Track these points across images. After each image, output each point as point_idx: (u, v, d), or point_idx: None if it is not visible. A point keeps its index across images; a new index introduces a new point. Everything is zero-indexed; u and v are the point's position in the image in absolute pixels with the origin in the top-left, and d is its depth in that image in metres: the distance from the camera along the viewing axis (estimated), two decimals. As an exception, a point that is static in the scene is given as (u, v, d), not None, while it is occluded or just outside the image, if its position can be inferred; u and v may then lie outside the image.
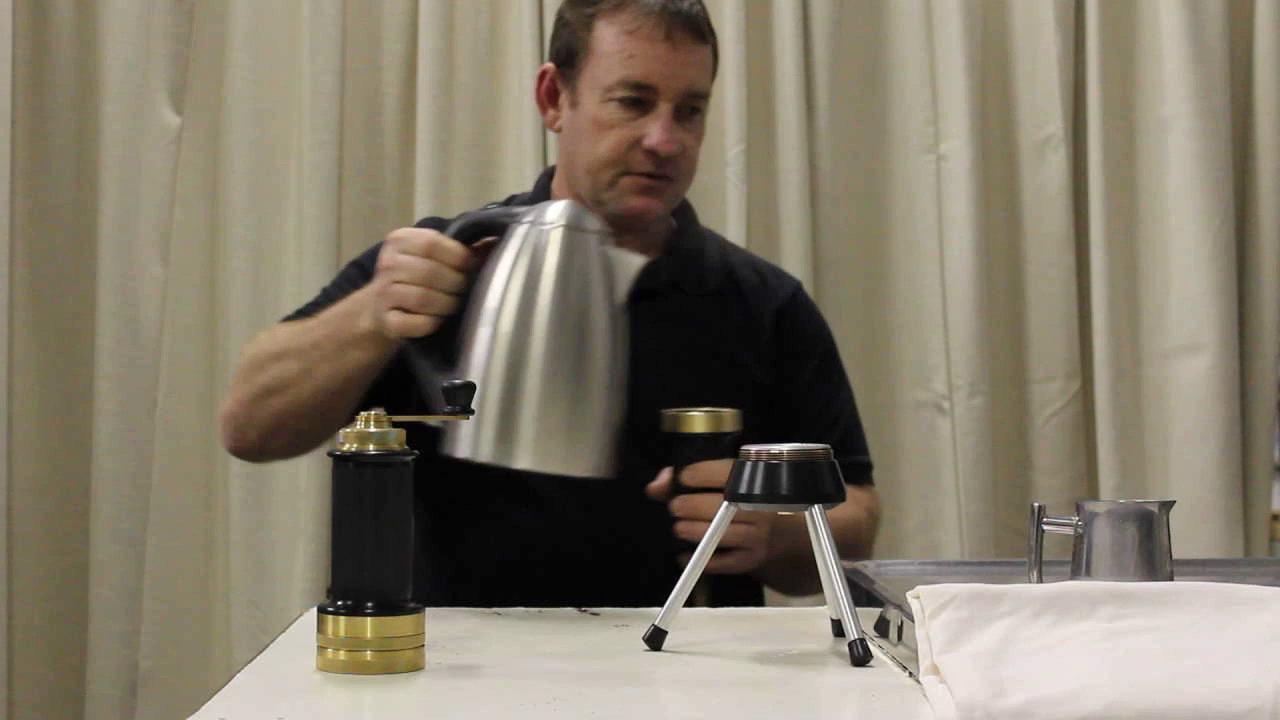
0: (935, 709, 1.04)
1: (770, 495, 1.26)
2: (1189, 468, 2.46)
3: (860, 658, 1.22)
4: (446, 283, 1.56)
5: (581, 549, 1.79)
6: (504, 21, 2.49)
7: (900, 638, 1.27)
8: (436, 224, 1.91)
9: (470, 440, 1.49)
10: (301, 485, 2.41)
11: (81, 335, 2.46)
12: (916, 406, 2.50)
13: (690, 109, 1.83)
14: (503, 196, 2.46)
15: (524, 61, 2.44)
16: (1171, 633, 1.09)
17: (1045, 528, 1.29)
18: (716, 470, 1.66)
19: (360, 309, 1.64)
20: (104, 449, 2.42)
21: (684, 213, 1.96)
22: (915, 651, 1.13)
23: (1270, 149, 2.51)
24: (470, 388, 1.27)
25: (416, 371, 1.59)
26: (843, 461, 1.93)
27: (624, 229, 1.85)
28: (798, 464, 1.26)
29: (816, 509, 1.26)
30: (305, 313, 1.81)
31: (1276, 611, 1.11)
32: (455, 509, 1.81)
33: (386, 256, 1.59)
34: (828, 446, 1.29)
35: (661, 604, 1.31)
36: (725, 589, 1.68)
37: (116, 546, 2.42)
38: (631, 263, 1.59)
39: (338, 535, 1.21)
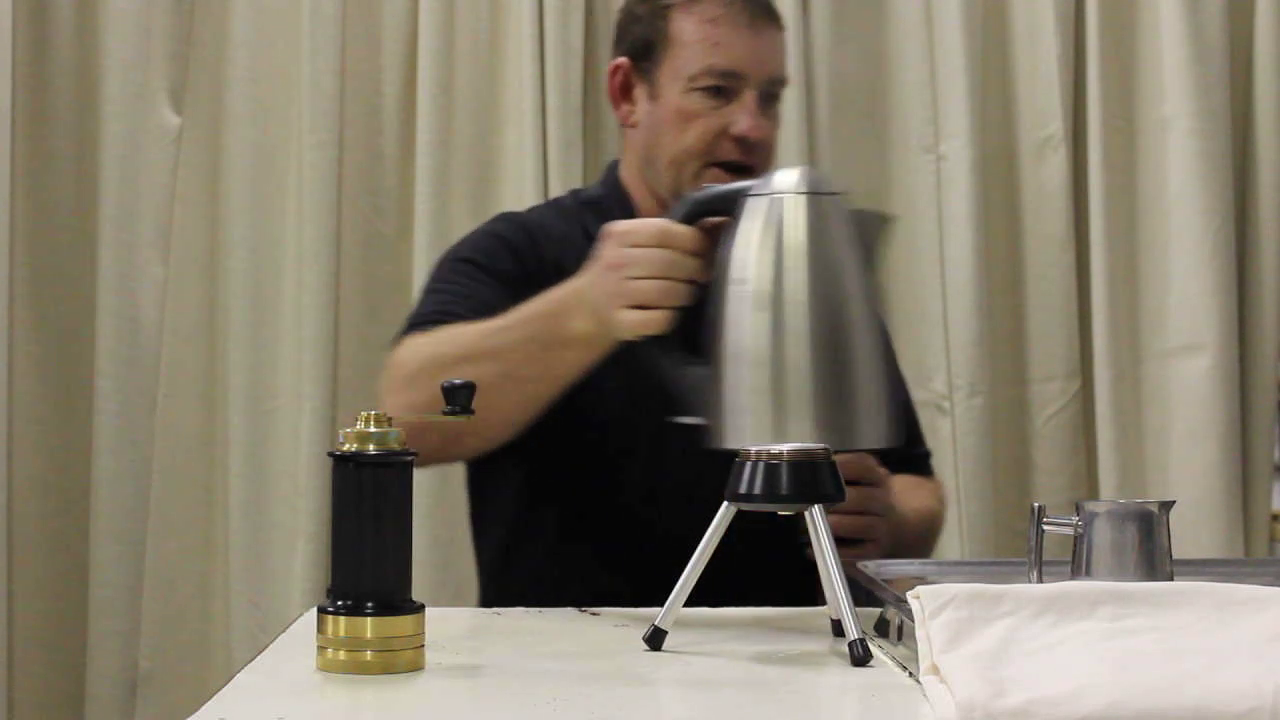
0: (935, 709, 1.04)
1: (770, 495, 1.26)
2: (1189, 468, 2.46)
3: (860, 658, 1.22)
4: (685, 270, 1.48)
5: (670, 550, 1.74)
6: (504, 21, 2.49)
7: (900, 638, 1.27)
8: (513, 221, 1.89)
9: (737, 428, 1.42)
10: (301, 485, 2.41)
11: (81, 335, 2.46)
12: (917, 406, 2.50)
13: (772, 96, 1.83)
14: (502, 196, 2.47)
15: (524, 61, 2.44)
16: (1171, 633, 1.09)
17: (1045, 528, 1.29)
18: (850, 463, 1.65)
19: (567, 309, 1.55)
20: (104, 449, 2.42)
21: None
22: (915, 651, 1.13)
23: (1270, 149, 2.51)
24: (470, 387, 1.27)
25: (657, 369, 1.51)
26: (911, 453, 1.95)
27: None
28: (798, 464, 1.26)
29: (816, 509, 1.26)
30: (431, 318, 1.73)
31: (1276, 611, 1.11)
32: (590, 506, 1.79)
33: (612, 253, 1.50)
34: (827, 446, 1.29)
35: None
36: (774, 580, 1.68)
37: (116, 546, 2.42)
38: (880, 219, 1.51)
39: (338, 535, 1.21)
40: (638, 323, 1.48)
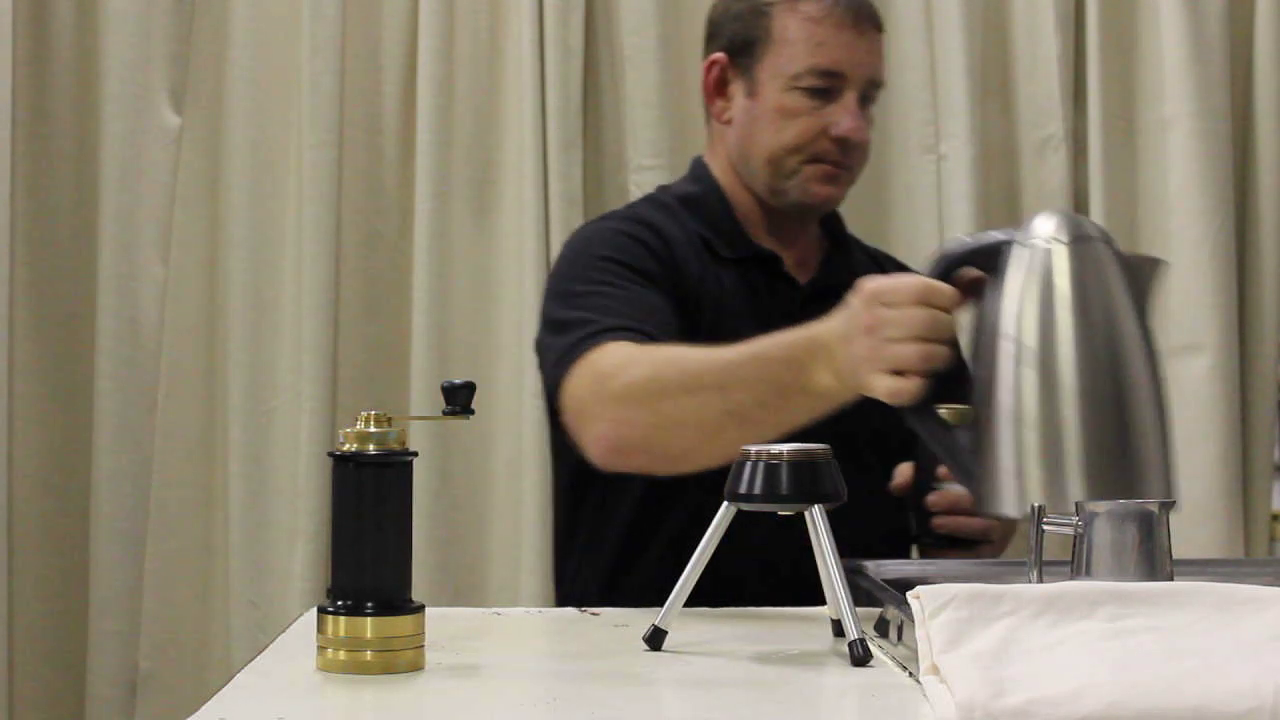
0: (935, 709, 1.04)
1: (770, 495, 1.26)
2: (1189, 468, 2.45)
3: (860, 658, 1.22)
4: (946, 331, 1.40)
5: (781, 548, 1.64)
6: (504, 21, 2.49)
7: (900, 638, 1.27)
8: (633, 219, 1.84)
9: (1015, 494, 1.35)
10: (301, 485, 2.41)
11: (81, 335, 2.46)
12: (916, 406, 2.50)
13: (870, 97, 1.85)
14: (503, 196, 2.47)
15: (524, 61, 2.44)
16: (1171, 633, 1.09)
17: (1045, 528, 1.29)
18: None
19: (812, 359, 1.48)
20: (104, 449, 2.42)
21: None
22: (915, 651, 1.13)
23: (1270, 149, 2.51)
24: (470, 387, 1.27)
25: (920, 431, 1.44)
26: None
27: (798, 218, 1.86)
28: (798, 464, 1.26)
29: (816, 509, 1.26)
30: (621, 326, 1.67)
31: (1276, 611, 1.11)
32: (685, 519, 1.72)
33: (869, 314, 1.42)
34: (827, 446, 1.29)
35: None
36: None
37: (116, 546, 2.42)
38: (1151, 264, 1.43)
39: (338, 535, 1.21)
40: (896, 390, 1.40)
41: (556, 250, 2.40)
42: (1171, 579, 1.24)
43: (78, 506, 2.45)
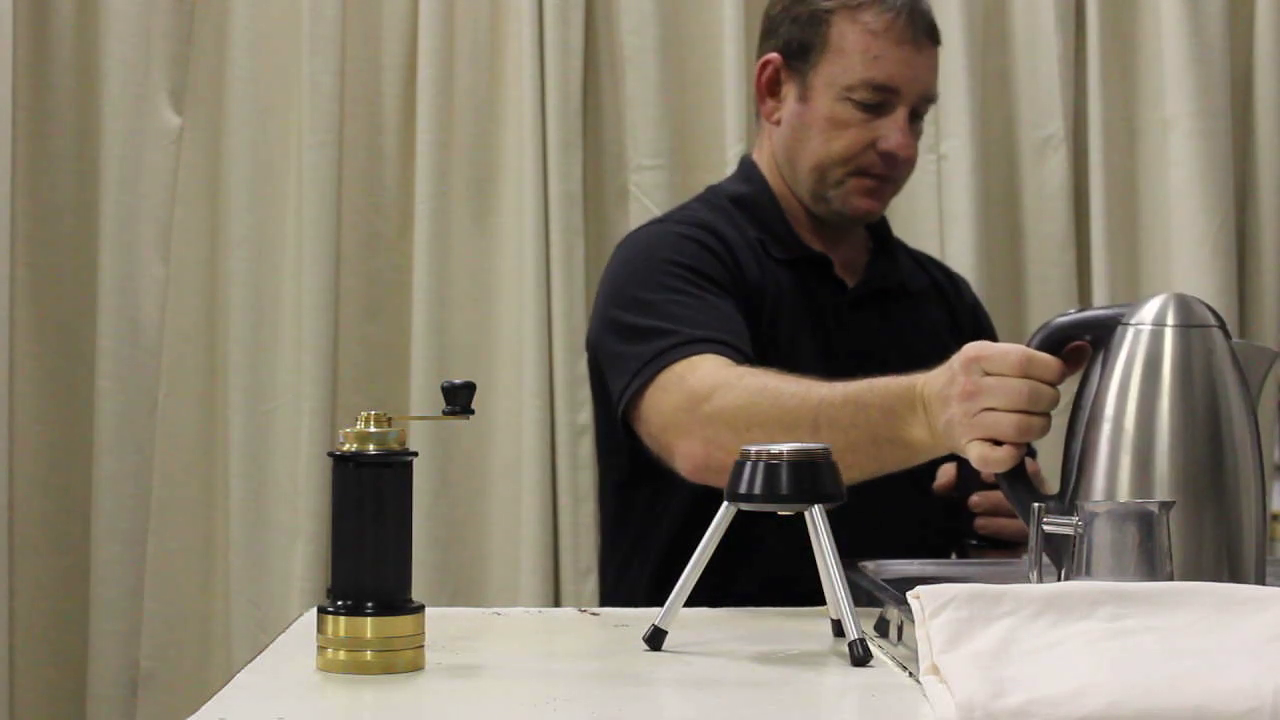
0: (935, 709, 1.04)
1: (770, 495, 1.26)
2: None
3: (860, 658, 1.22)
4: (1045, 403, 1.40)
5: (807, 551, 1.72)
6: (504, 21, 2.49)
7: (900, 638, 1.27)
8: (695, 223, 1.84)
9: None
10: (301, 485, 2.41)
11: (82, 335, 2.46)
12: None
13: (920, 113, 1.84)
14: (503, 196, 2.47)
15: (524, 61, 2.44)
16: (1171, 633, 1.09)
17: (1045, 528, 1.28)
18: (1032, 467, 1.65)
19: (909, 411, 1.48)
20: (104, 449, 2.42)
21: None
22: (915, 651, 1.13)
23: (1270, 149, 2.51)
24: (470, 387, 1.27)
25: (1008, 495, 1.44)
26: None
27: (841, 227, 1.86)
28: (798, 464, 1.26)
29: (816, 509, 1.26)
30: (709, 339, 1.67)
31: (1276, 611, 1.11)
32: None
33: (969, 380, 1.41)
34: (827, 446, 1.29)
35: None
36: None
37: (117, 546, 2.42)
38: (1267, 354, 1.39)
39: (338, 535, 1.21)
40: (990, 459, 1.40)
41: (557, 250, 2.41)
42: (1171, 579, 1.24)
43: (78, 506, 2.45)
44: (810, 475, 1.26)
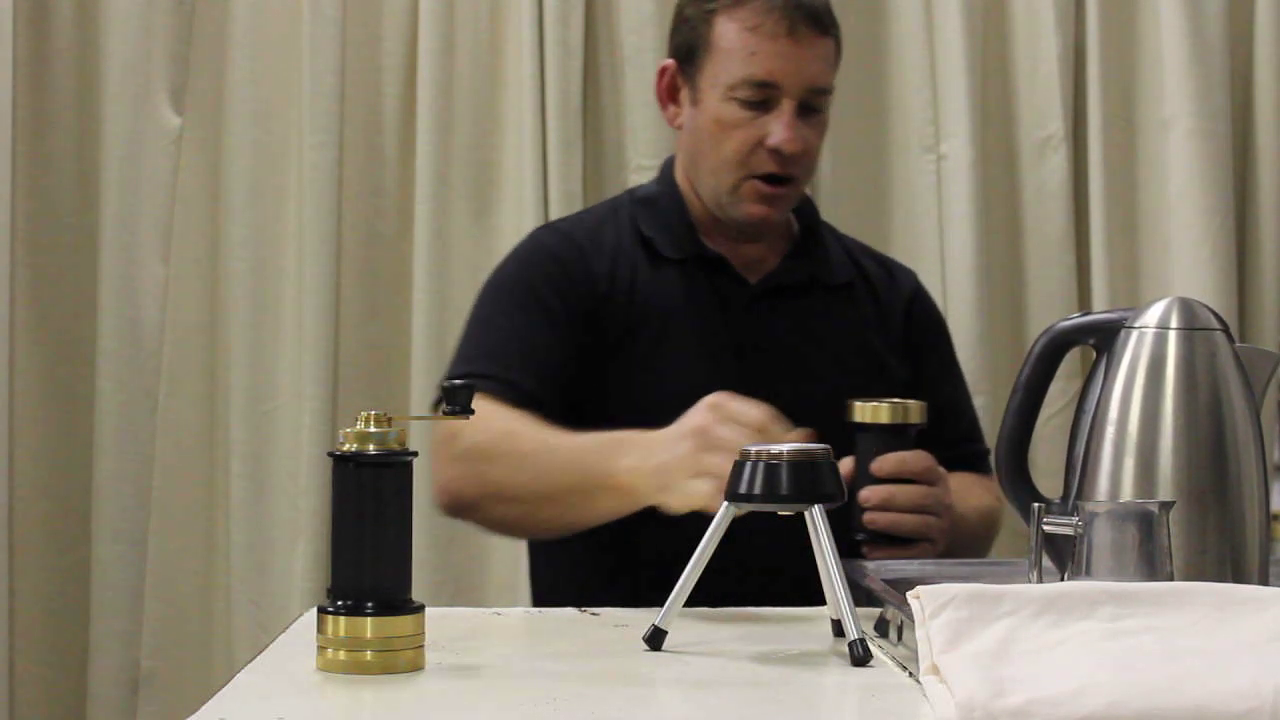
0: (935, 709, 1.04)
1: (770, 495, 1.26)
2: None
3: (860, 658, 1.22)
4: None
5: (725, 545, 1.75)
6: (504, 21, 2.49)
7: (900, 638, 1.27)
8: (562, 234, 1.89)
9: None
10: (301, 485, 2.41)
11: (82, 335, 2.46)
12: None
13: (813, 105, 1.82)
14: (503, 196, 2.47)
15: (524, 61, 2.44)
16: (1171, 633, 1.09)
17: (1045, 528, 1.28)
18: (909, 460, 1.67)
19: (615, 453, 1.54)
20: (105, 449, 2.42)
21: (804, 202, 1.96)
22: (915, 651, 1.13)
23: (1270, 149, 2.51)
24: (470, 387, 1.27)
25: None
26: (970, 450, 1.95)
27: (745, 233, 1.86)
28: (798, 464, 1.26)
29: (816, 509, 1.26)
30: (494, 382, 1.73)
31: (1276, 612, 1.11)
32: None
33: (702, 419, 1.47)
34: (827, 447, 1.29)
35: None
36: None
37: (117, 546, 2.42)
38: (1269, 357, 1.39)
39: (338, 535, 1.21)
40: (696, 497, 1.44)
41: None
42: (1171, 579, 1.24)
43: (78, 507, 2.45)
44: (810, 475, 1.26)
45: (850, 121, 2.52)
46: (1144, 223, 2.51)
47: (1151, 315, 1.37)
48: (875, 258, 2.00)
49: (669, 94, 1.89)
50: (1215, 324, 1.36)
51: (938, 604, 1.12)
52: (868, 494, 1.66)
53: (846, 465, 1.69)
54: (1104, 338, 1.39)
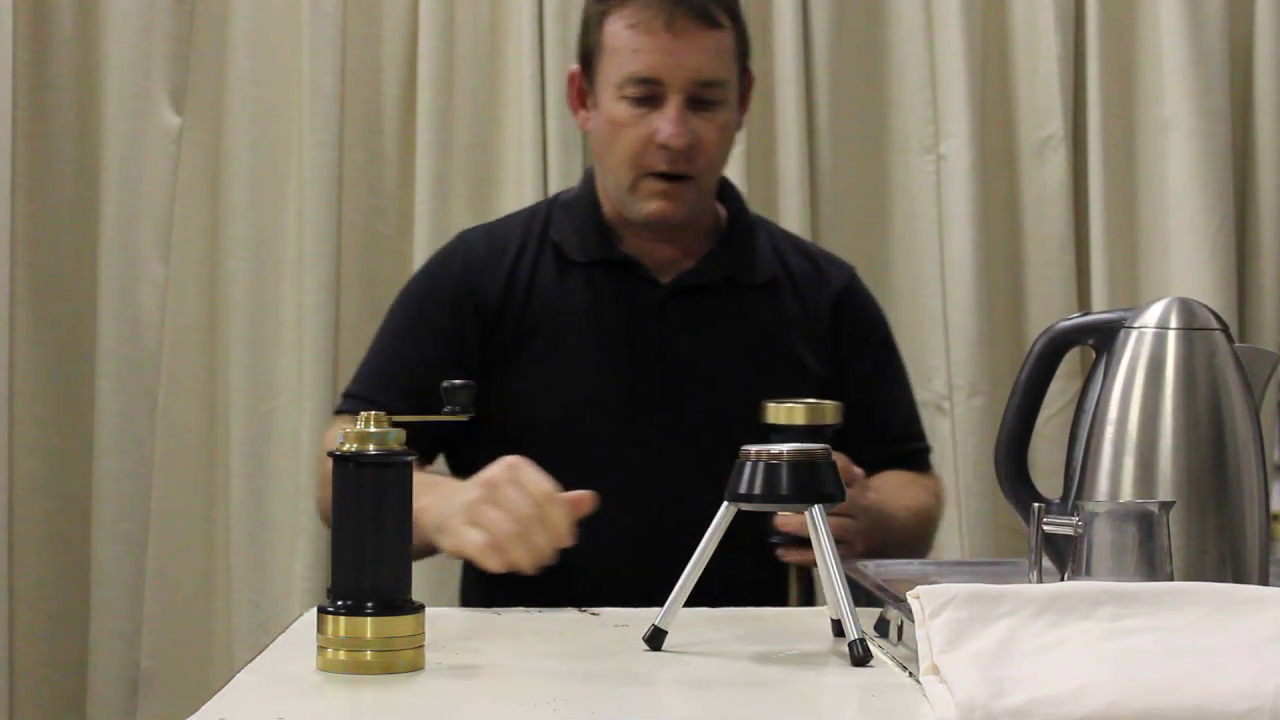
0: (935, 709, 1.04)
1: (770, 495, 1.26)
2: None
3: (860, 658, 1.22)
4: (542, 540, 1.47)
5: (637, 550, 1.78)
6: (504, 21, 2.49)
7: (900, 638, 1.27)
8: (472, 243, 1.91)
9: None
10: (301, 485, 2.41)
11: (82, 335, 2.46)
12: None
13: (705, 99, 1.81)
14: (503, 196, 2.47)
15: (524, 61, 2.44)
16: (1171, 633, 1.09)
17: (1045, 528, 1.28)
18: (839, 462, 1.65)
19: (423, 493, 1.50)
20: (104, 449, 2.42)
21: (733, 200, 1.95)
22: (915, 651, 1.13)
23: (1270, 149, 2.51)
24: (470, 387, 1.27)
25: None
26: (907, 449, 1.95)
27: (653, 231, 1.86)
28: (798, 464, 1.26)
29: (816, 509, 1.26)
30: (364, 401, 1.79)
31: (1276, 612, 1.11)
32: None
33: (497, 475, 1.51)
34: (827, 447, 1.29)
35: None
36: (751, 584, 1.69)
37: (117, 546, 2.42)
38: (1269, 357, 1.38)
39: (338, 535, 1.21)
40: (466, 544, 1.48)
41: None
42: (1171, 579, 1.24)
43: (78, 506, 2.45)
44: (810, 475, 1.26)
45: (850, 121, 2.52)
46: (1144, 223, 2.51)
47: (1151, 315, 1.37)
48: (807, 254, 1.98)
49: (579, 99, 1.90)
50: (1215, 324, 1.37)
51: (938, 604, 1.12)
52: None
53: None
54: (1103, 338, 1.39)
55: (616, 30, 1.80)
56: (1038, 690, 1.01)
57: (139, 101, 2.45)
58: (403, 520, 1.22)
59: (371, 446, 1.21)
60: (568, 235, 1.88)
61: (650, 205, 1.82)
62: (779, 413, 1.66)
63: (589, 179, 1.93)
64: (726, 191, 1.95)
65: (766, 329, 1.88)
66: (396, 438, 1.22)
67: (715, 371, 1.84)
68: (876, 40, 2.53)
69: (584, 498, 1.48)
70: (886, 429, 1.91)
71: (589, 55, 1.85)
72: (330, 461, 1.69)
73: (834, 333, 1.92)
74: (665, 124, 1.78)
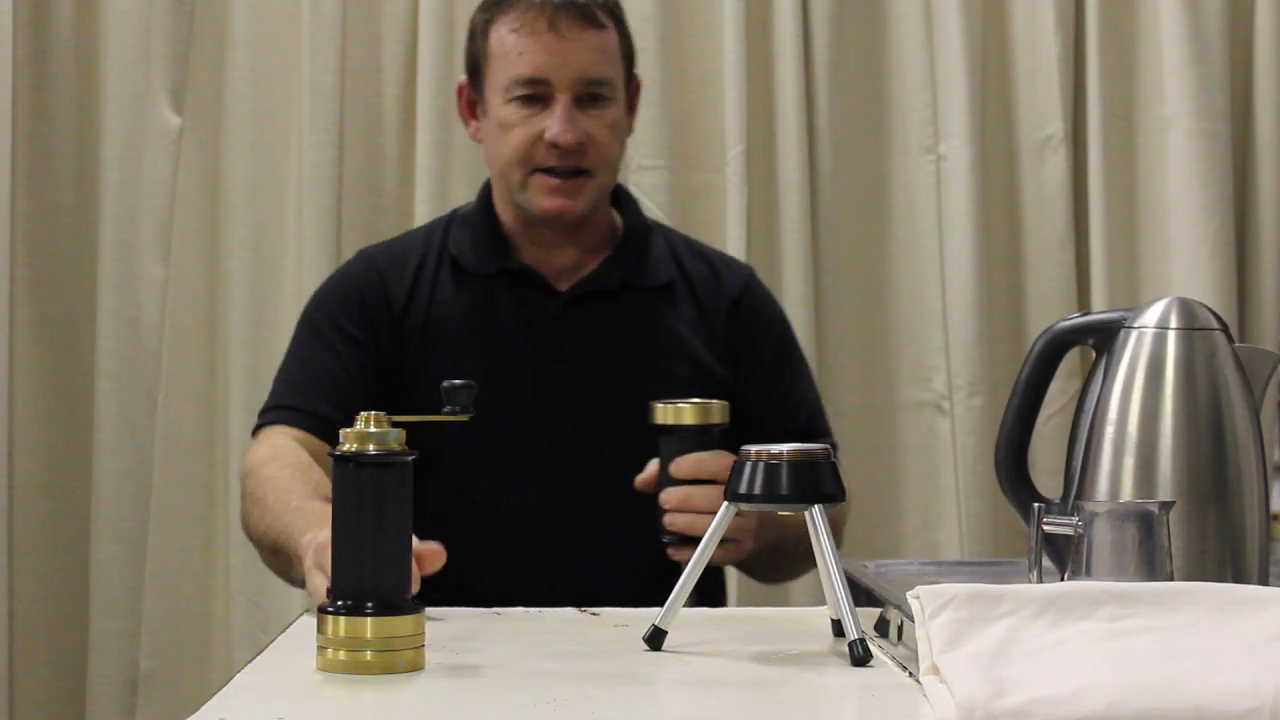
0: (935, 709, 1.04)
1: (770, 495, 1.26)
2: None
3: (860, 658, 1.22)
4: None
5: (541, 556, 1.83)
6: (504, 21, 2.49)
7: (900, 638, 1.27)
8: (370, 260, 1.94)
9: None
10: (302, 485, 2.41)
11: (81, 335, 2.46)
12: (916, 407, 2.50)
13: (593, 96, 1.84)
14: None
15: (524, 61, 2.44)
16: (1171, 633, 1.09)
17: (1045, 528, 1.29)
18: (706, 461, 1.68)
19: (317, 526, 1.53)
20: (104, 449, 2.42)
21: (628, 204, 1.98)
22: (915, 651, 1.13)
23: (1270, 149, 2.51)
24: (470, 387, 1.27)
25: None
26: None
27: (552, 229, 1.88)
28: (798, 464, 1.26)
29: (816, 509, 1.26)
30: (287, 410, 1.83)
31: (1276, 612, 1.11)
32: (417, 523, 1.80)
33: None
34: (828, 446, 1.29)
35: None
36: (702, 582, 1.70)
37: (117, 546, 2.42)
38: (1267, 357, 1.39)
39: (338, 535, 1.22)
40: (311, 585, 1.46)
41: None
42: (1171, 579, 1.24)
43: (78, 506, 2.45)
44: (810, 475, 1.26)
45: (850, 121, 2.52)
46: (1144, 223, 2.51)
47: (1151, 315, 1.37)
48: (704, 258, 2.00)
49: (469, 110, 1.94)
50: (1215, 324, 1.37)
51: (938, 604, 1.12)
52: (667, 496, 1.69)
53: (652, 468, 1.71)
54: (1103, 338, 1.39)
55: (501, 36, 1.84)
56: (1037, 690, 1.01)
57: (139, 101, 2.44)
58: (403, 520, 1.22)
59: (371, 446, 1.21)
60: (465, 248, 1.91)
61: (547, 201, 1.85)
62: (667, 413, 1.68)
63: (485, 192, 1.96)
64: (621, 199, 1.97)
65: (665, 331, 1.91)
66: (396, 438, 1.22)
67: (616, 375, 1.87)
68: (876, 40, 2.53)
69: (433, 553, 1.43)
70: (790, 427, 1.92)
71: (476, 65, 1.89)
72: (252, 479, 1.75)
73: (733, 333, 1.94)
74: (554, 122, 1.82)
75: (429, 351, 1.87)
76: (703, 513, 1.67)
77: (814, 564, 2.02)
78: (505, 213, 1.92)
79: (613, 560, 1.81)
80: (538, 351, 1.87)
